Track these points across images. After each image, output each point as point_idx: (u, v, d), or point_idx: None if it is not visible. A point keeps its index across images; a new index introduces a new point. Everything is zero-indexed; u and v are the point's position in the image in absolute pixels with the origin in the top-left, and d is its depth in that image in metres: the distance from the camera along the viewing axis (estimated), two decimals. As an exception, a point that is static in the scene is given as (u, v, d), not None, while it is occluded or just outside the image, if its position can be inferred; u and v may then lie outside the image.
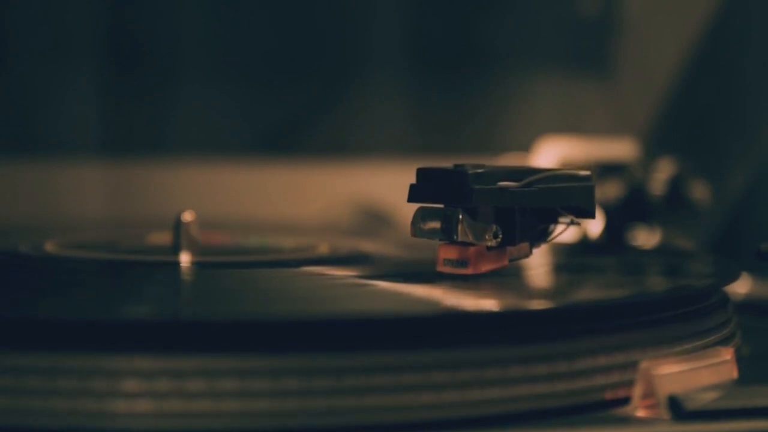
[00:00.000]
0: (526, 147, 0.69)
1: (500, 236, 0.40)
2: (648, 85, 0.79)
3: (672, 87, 0.77)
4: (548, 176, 0.40)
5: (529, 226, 0.41)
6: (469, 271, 0.40)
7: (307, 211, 0.75)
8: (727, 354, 0.37)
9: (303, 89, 0.79)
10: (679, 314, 0.38)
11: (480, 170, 0.39)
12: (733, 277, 0.43)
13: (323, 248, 0.51)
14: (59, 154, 0.75)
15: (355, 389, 0.32)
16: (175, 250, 0.47)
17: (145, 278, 0.43)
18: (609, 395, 0.35)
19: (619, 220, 0.60)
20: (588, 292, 0.42)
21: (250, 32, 0.78)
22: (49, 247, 0.50)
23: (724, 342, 0.39)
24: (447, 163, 0.41)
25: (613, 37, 0.81)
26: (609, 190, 0.60)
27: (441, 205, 0.40)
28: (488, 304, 0.37)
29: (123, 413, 0.31)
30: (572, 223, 0.42)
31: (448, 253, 0.40)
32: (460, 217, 0.39)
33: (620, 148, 0.64)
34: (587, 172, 0.42)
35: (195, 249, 0.47)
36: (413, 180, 0.40)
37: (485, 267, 0.40)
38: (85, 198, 0.75)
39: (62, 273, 0.45)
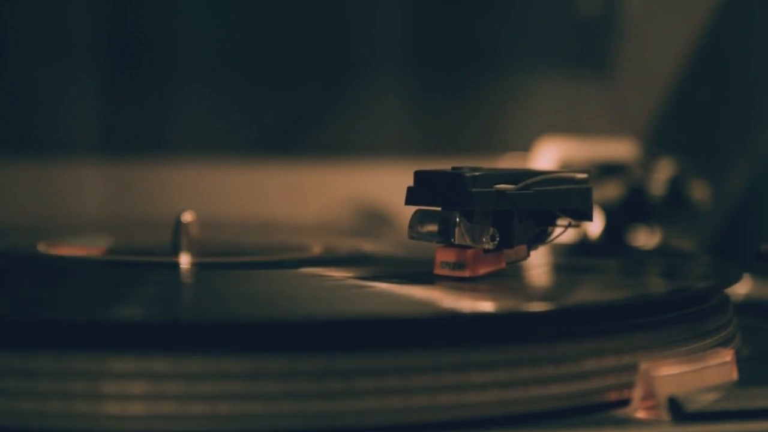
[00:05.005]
0: (526, 147, 0.69)
1: (498, 239, 0.40)
2: (648, 85, 0.79)
3: (672, 87, 0.77)
4: (546, 179, 0.40)
5: (526, 228, 0.41)
6: (466, 273, 0.39)
7: (307, 211, 0.75)
8: (727, 355, 0.37)
9: (303, 89, 0.79)
10: (680, 316, 0.38)
11: (477, 173, 0.39)
12: (734, 279, 0.43)
13: (321, 249, 0.51)
14: (59, 154, 0.75)
15: (354, 390, 0.32)
16: (175, 250, 0.47)
17: (144, 279, 0.43)
18: (609, 397, 0.35)
19: (619, 220, 0.60)
20: (588, 294, 0.42)
21: (250, 32, 0.78)
22: (49, 247, 0.50)
23: (724, 343, 0.39)
24: (447, 164, 0.41)
25: (613, 37, 0.81)
26: (609, 191, 0.60)
27: (438, 208, 0.40)
28: (486, 306, 0.37)
29: (131, 415, 0.31)
30: (570, 225, 0.42)
31: (446, 255, 0.40)
32: (458, 220, 0.39)
33: (620, 149, 0.63)
34: (584, 175, 0.41)
35: (194, 249, 0.47)
36: (413, 180, 0.40)
37: (483, 270, 0.40)
38: (85, 198, 0.75)
39: (61, 273, 0.45)
